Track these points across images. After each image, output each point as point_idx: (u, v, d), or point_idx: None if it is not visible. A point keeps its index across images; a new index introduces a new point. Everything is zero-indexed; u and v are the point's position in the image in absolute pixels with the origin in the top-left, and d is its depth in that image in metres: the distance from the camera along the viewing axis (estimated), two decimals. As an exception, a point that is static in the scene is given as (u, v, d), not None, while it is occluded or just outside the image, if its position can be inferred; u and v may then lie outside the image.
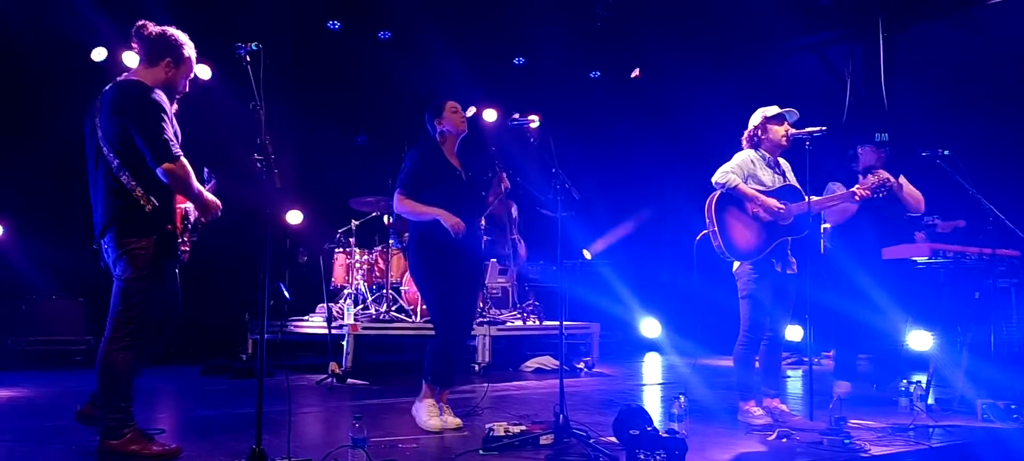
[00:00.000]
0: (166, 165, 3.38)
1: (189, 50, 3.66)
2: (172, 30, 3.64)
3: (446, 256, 4.30)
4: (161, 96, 3.50)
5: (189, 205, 3.68)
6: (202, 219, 3.69)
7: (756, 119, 4.87)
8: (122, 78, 3.59)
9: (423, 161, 4.39)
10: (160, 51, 3.59)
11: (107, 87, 3.57)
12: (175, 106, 3.68)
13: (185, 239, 3.63)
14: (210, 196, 3.66)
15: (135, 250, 3.43)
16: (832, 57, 9.79)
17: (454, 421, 4.40)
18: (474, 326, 4.56)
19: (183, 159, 3.44)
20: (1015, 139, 7.77)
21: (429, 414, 4.34)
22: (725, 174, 4.68)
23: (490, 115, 9.42)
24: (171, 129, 3.47)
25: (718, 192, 4.72)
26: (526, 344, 8.20)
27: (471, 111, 4.44)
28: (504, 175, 4.43)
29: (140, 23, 3.60)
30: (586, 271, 10.14)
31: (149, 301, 3.50)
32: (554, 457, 3.75)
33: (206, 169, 3.90)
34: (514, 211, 8.02)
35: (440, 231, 4.25)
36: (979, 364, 5.25)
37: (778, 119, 4.81)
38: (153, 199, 3.43)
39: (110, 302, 3.51)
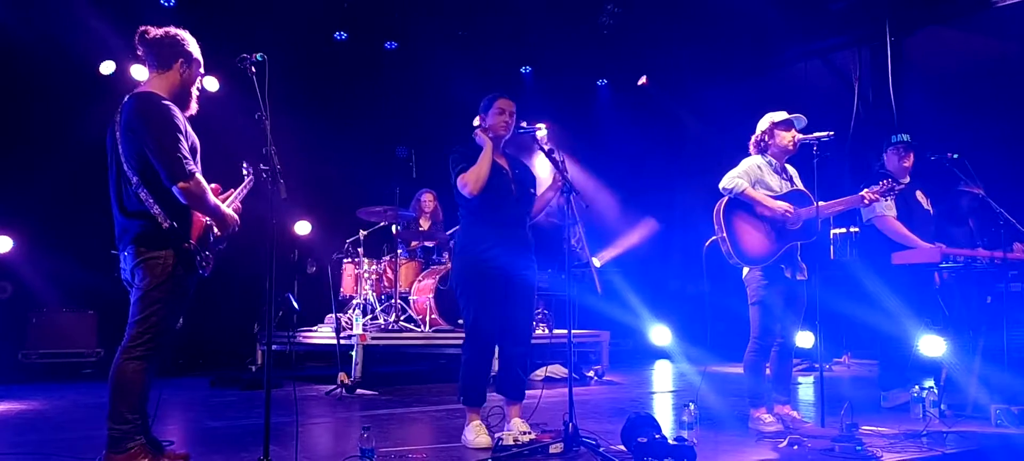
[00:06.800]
0: (181, 184, 3.32)
1: (193, 46, 3.59)
2: (174, 29, 3.55)
3: (484, 270, 4.13)
4: (175, 110, 3.43)
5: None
6: (219, 233, 3.61)
7: (763, 125, 4.86)
8: (138, 90, 3.50)
9: (469, 154, 4.21)
10: (171, 53, 3.51)
11: (126, 99, 3.47)
12: (194, 108, 3.62)
13: (206, 254, 3.53)
14: (228, 210, 3.61)
15: (152, 260, 3.39)
16: (839, 62, 9.77)
17: (521, 424, 4.16)
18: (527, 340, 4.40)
19: (198, 177, 3.38)
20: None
21: (474, 433, 4.13)
22: (733, 179, 4.67)
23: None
24: (186, 144, 3.40)
25: (726, 197, 4.70)
26: (535, 353, 8.17)
27: (477, 122, 4.36)
28: (559, 173, 4.16)
29: (142, 29, 3.51)
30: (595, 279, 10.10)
31: (167, 312, 3.44)
32: (563, 466, 3.73)
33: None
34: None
35: (481, 243, 4.13)
36: (992, 369, 5.21)
37: (785, 125, 4.80)
38: (171, 218, 3.38)
39: (129, 312, 3.47)
